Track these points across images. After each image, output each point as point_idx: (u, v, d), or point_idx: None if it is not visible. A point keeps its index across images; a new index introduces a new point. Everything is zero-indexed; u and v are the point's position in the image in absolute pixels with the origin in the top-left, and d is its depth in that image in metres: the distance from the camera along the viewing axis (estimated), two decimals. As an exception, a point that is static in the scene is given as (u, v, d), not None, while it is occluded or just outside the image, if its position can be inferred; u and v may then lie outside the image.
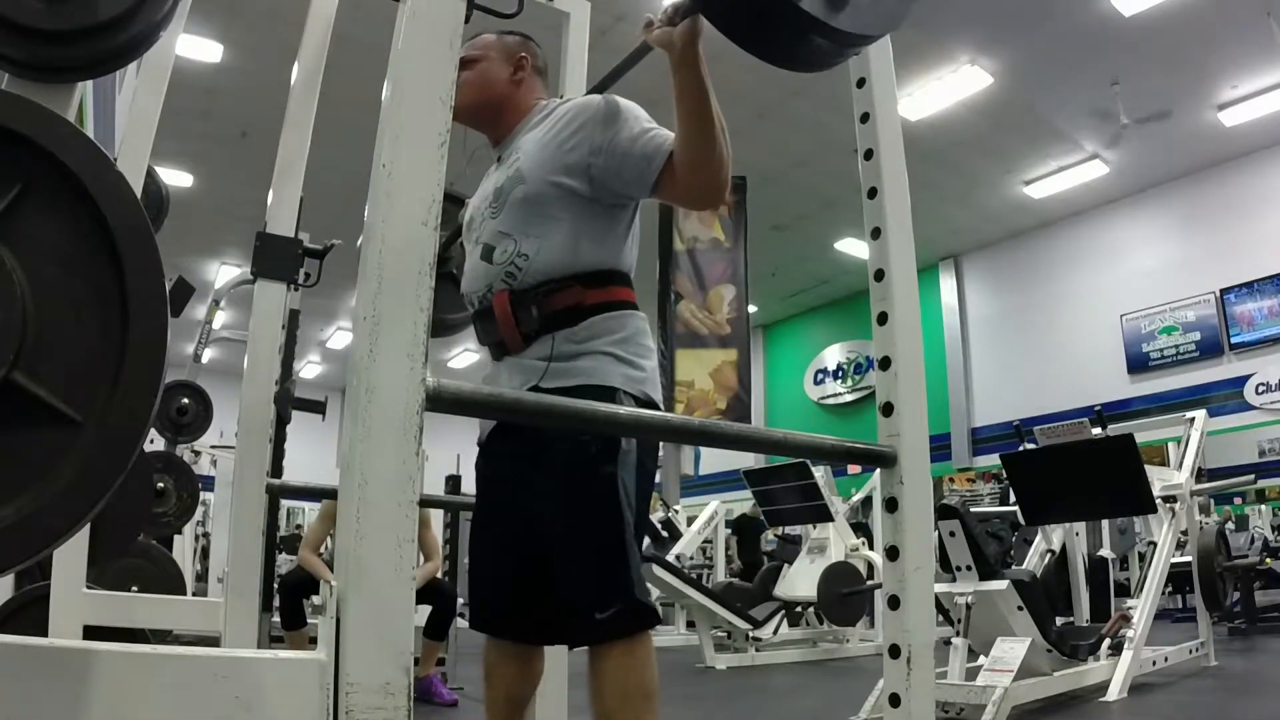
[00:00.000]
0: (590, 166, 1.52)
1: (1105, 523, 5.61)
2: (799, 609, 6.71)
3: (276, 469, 3.02)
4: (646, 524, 1.60)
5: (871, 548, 6.59)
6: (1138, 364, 10.61)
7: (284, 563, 8.48)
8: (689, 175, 1.45)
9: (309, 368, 16.91)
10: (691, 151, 1.43)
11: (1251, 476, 7.44)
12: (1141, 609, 4.06)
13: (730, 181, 1.49)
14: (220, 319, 7.70)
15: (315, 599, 3.80)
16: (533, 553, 1.50)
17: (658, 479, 2.60)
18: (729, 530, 9.70)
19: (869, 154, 1.54)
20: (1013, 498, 4.83)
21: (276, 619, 3.65)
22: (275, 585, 3.80)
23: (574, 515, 1.46)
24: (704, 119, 1.41)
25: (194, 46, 7.22)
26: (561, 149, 1.54)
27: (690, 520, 8.57)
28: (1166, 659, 4.29)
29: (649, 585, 1.54)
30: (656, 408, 1.56)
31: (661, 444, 1.79)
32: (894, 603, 1.35)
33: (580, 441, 1.45)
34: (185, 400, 5.31)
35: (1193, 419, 5.02)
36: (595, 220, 1.54)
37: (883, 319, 1.45)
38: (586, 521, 1.45)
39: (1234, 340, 9.95)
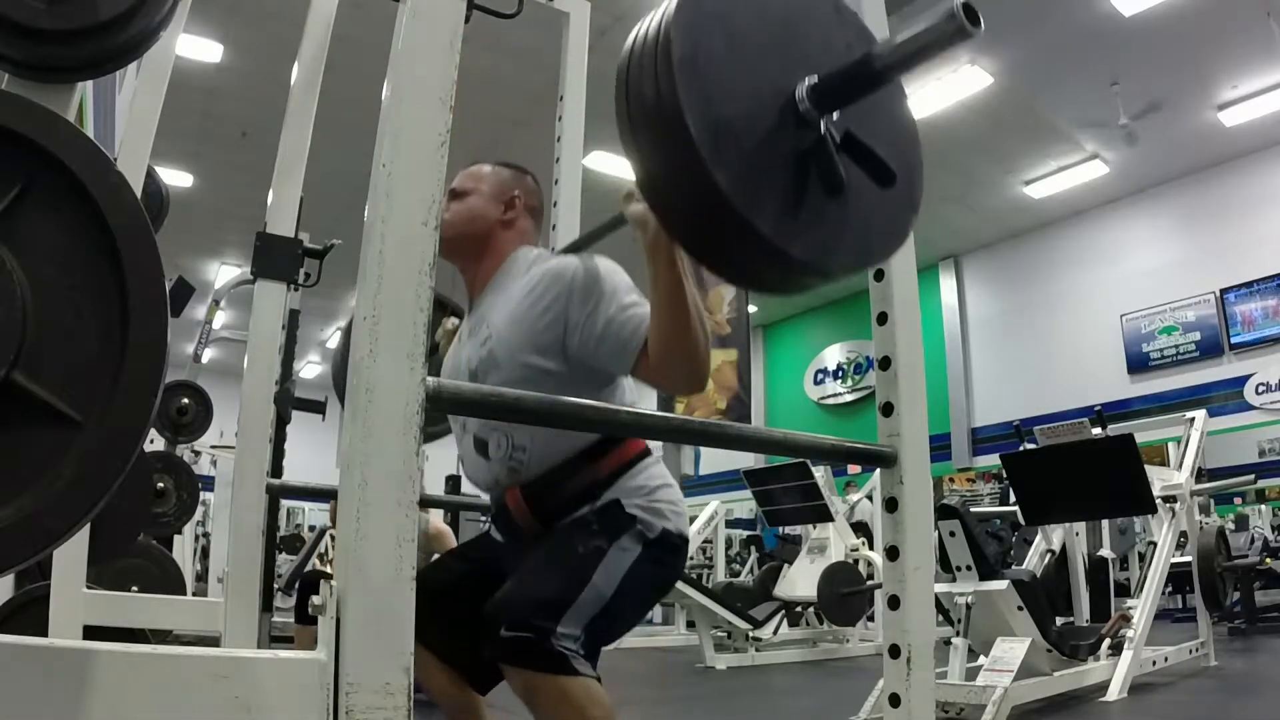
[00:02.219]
0: (566, 346, 1.44)
1: (1105, 523, 5.61)
2: (799, 609, 6.71)
3: (276, 469, 3.02)
4: (623, 624, 1.48)
5: (871, 548, 6.59)
6: (1138, 364, 10.60)
7: (284, 562, 8.49)
8: (662, 366, 1.36)
9: (309, 368, 16.90)
10: (663, 344, 1.34)
11: (1251, 476, 7.44)
12: (1141, 609, 4.06)
13: (708, 370, 1.40)
14: (220, 319, 7.71)
15: (315, 599, 3.79)
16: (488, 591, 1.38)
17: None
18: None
19: (869, 154, 1.54)
20: (1013, 498, 4.83)
21: (278, 619, 3.65)
22: (294, 583, 3.78)
23: (544, 555, 1.41)
24: (676, 309, 1.31)
25: (194, 46, 7.21)
26: (534, 328, 1.45)
27: (690, 520, 8.56)
28: (1166, 659, 4.29)
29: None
30: (684, 539, 1.52)
31: (662, 446, 1.77)
32: (894, 603, 1.35)
33: (582, 518, 1.43)
34: (185, 400, 5.31)
35: (1193, 419, 5.02)
36: (583, 391, 1.37)
37: (883, 319, 1.45)
38: (552, 559, 1.39)
39: (1234, 340, 9.94)
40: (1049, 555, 4.93)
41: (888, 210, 1.14)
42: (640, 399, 1.62)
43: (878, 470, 1.46)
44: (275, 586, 3.76)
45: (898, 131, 1.21)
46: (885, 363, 1.44)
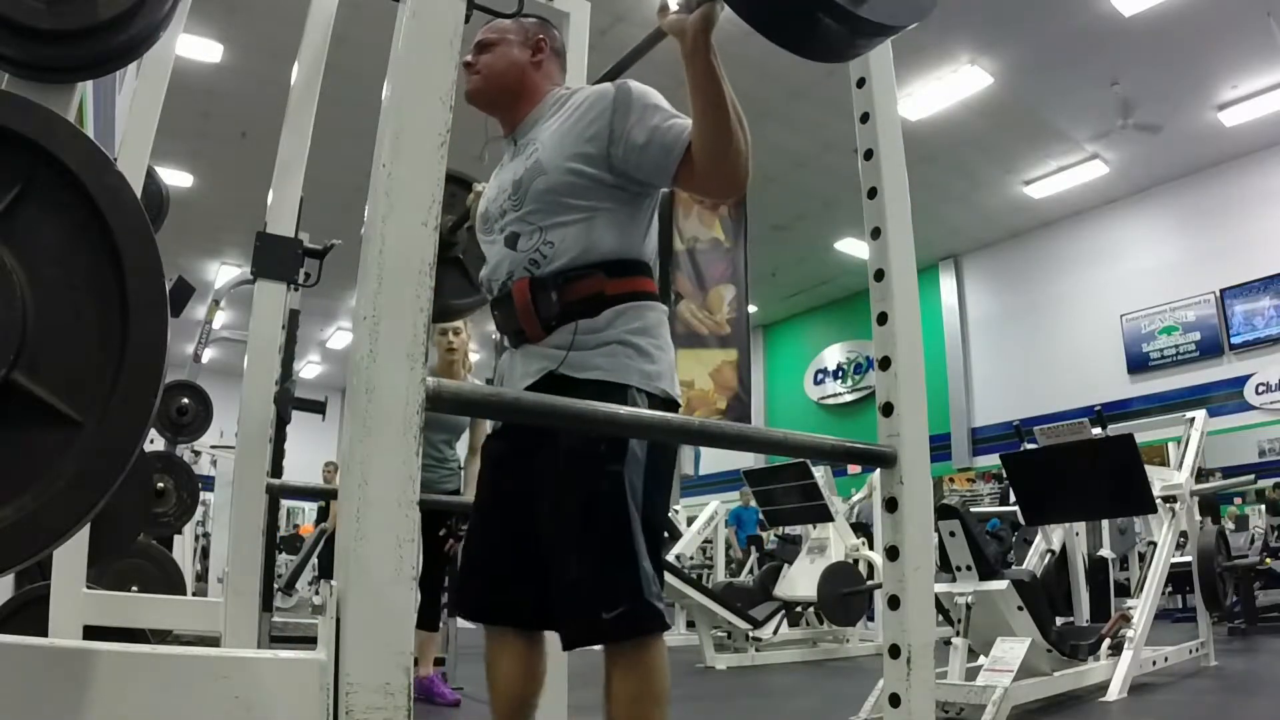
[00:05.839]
0: (610, 156, 1.50)
1: (1105, 523, 5.60)
2: (799, 609, 6.70)
3: (276, 469, 3.02)
4: (662, 527, 1.57)
5: (871, 548, 6.59)
6: (1138, 364, 10.61)
7: (284, 563, 8.48)
8: (707, 166, 1.43)
9: (309, 368, 16.91)
10: (708, 143, 1.41)
11: (1251, 476, 7.44)
12: (1141, 609, 4.06)
13: (750, 171, 1.45)
14: (220, 319, 7.71)
15: (316, 599, 3.79)
16: (536, 545, 1.47)
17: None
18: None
19: (869, 154, 1.54)
20: (1013, 498, 4.83)
21: (278, 619, 3.65)
22: (293, 583, 3.77)
23: (580, 513, 1.43)
24: (718, 110, 1.38)
25: (194, 46, 7.22)
26: (580, 139, 1.52)
27: (690, 520, 8.57)
28: (1166, 659, 4.29)
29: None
30: (675, 403, 1.54)
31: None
32: (894, 603, 1.35)
33: (588, 438, 1.43)
34: (185, 400, 5.30)
35: (1193, 419, 5.01)
36: (617, 209, 1.53)
37: (883, 319, 1.45)
38: (593, 520, 1.42)
39: (1234, 340, 9.95)
40: (1049, 555, 4.92)
41: None
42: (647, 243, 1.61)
43: (877, 470, 1.46)
44: (275, 586, 3.76)
45: None
46: (885, 363, 1.44)
